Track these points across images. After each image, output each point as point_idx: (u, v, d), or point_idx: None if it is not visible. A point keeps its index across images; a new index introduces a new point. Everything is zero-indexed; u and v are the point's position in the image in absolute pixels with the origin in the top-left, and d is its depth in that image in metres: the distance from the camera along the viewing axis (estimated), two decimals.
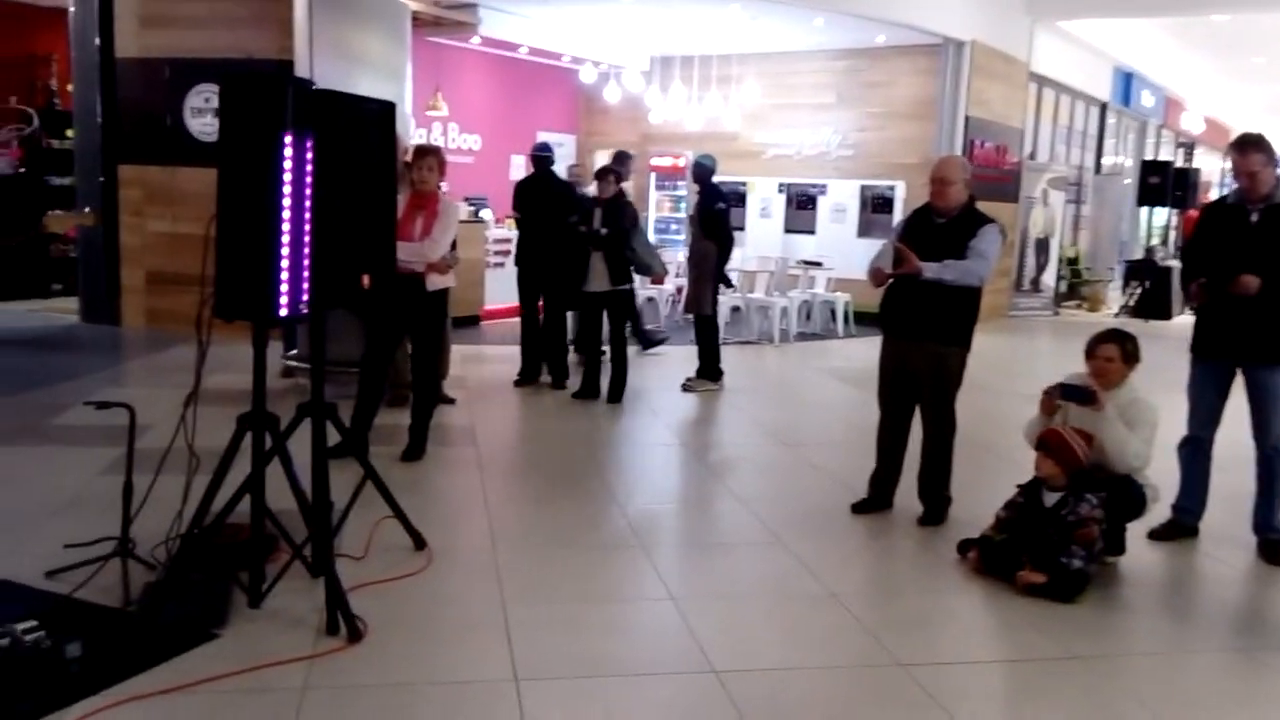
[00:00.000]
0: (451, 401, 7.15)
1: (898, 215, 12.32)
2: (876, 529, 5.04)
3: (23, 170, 11.08)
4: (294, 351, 7.60)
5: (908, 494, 5.17)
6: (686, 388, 8.18)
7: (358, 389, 5.66)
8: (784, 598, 4.17)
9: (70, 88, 10.33)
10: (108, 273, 9.64)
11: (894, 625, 3.90)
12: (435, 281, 5.61)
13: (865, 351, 7.25)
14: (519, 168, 13.20)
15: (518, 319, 8.22)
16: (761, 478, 6.00)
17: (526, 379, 8.05)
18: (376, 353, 5.70)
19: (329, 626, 3.56)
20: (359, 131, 3.78)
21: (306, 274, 3.47)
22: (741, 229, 13.00)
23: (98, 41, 9.47)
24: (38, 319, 10.11)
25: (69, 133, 10.63)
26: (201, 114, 9.25)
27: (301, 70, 7.82)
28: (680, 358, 9.33)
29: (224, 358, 3.86)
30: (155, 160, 9.36)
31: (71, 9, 9.70)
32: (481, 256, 10.79)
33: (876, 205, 13.17)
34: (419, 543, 4.39)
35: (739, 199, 13.43)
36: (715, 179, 8.53)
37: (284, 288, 3.36)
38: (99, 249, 9.60)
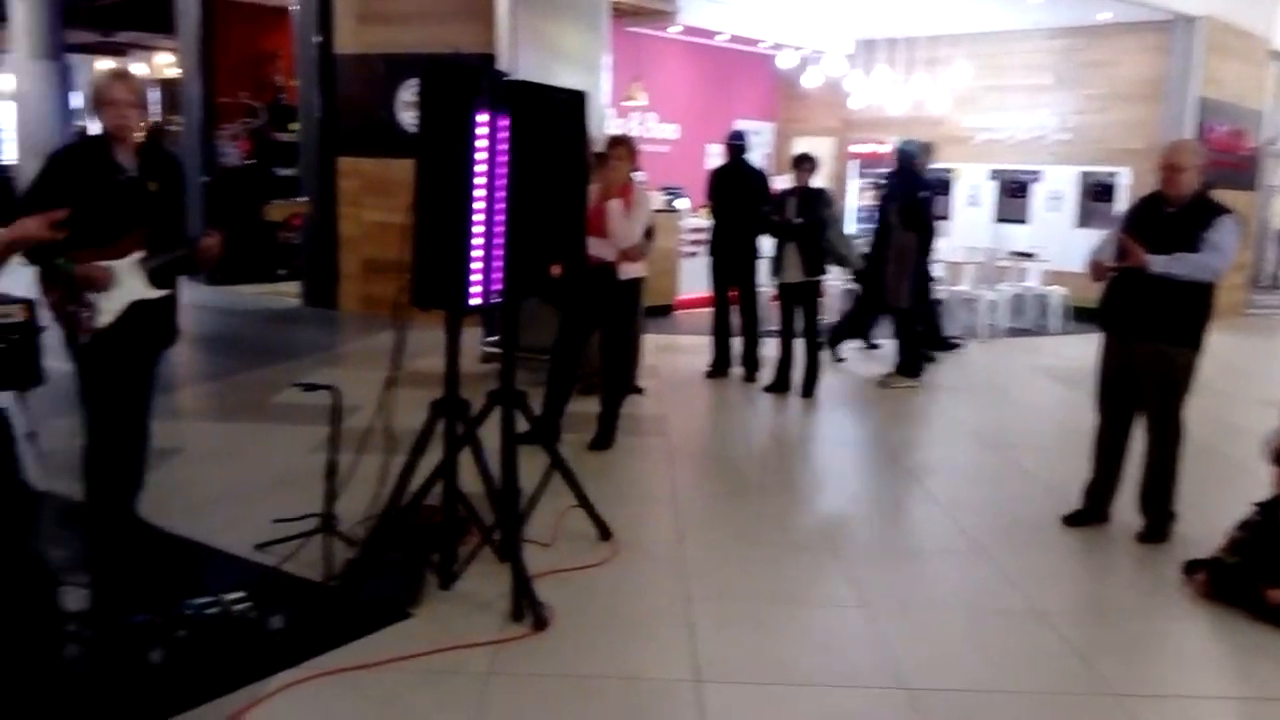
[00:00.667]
0: (641, 391, 7.16)
1: (1121, 204, 11.49)
2: (1090, 543, 4.67)
3: (251, 162, 11.87)
4: (493, 337, 7.79)
5: (1126, 507, 4.78)
6: (884, 384, 7.89)
7: (548, 377, 5.73)
8: (984, 613, 3.92)
9: (294, 83, 10.96)
10: (327, 260, 10.20)
11: (1107, 650, 3.59)
12: (627, 270, 5.60)
13: (1082, 350, 6.78)
14: (715, 156, 13.12)
15: (710, 309, 8.15)
16: (963, 482, 5.70)
17: (718, 370, 7.97)
18: (568, 341, 5.75)
19: (515, 613, 3.59)
20: (551, 121, 3.78)
21: (499, 264, 3.49)
22: (946, 218, 12.46)
23: (318, 39, 10.00)
24: (263, 302, 10.80)
25: (293, 126, 11.29)
26: (410, 107, 9.61)
27: (503, 63, 7.99)
28: (877, 353, 9.03)
29: (428, 342, 3.97)
30: (370, 152, 9.80)
31: (294, 7, 10.29)
32: (675, 246, 10.78)
33: (1097, 193, 12.33)
34: (605, 533, 4.38)
35: (943, 186, 12.88)
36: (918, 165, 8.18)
37: (476, 278, 3.39)
38: (319, 237, 10.17)
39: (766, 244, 7.65)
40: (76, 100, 13.49)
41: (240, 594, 3.47)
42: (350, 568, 3.77)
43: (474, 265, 3.40)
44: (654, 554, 4.32)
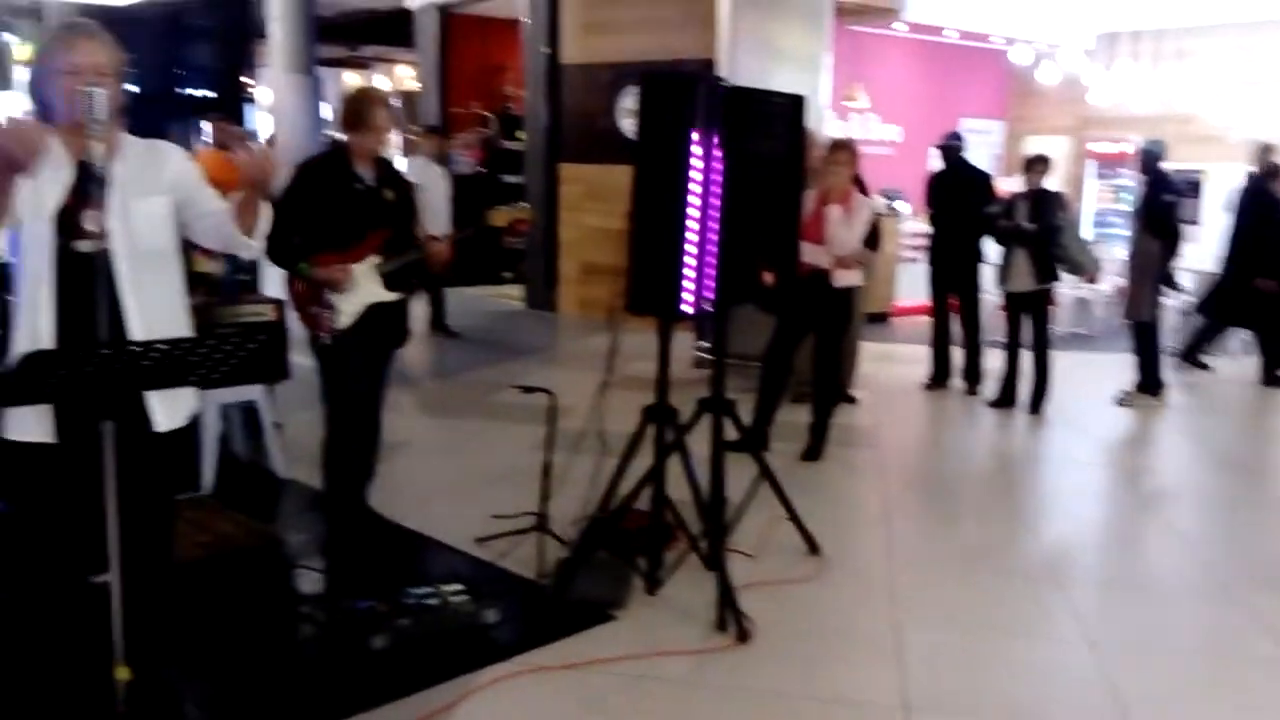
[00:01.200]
0: (855, 401, 6.98)
1: None
2: None
3: (481, 170, 12.41)
4: (705, 342, 7.80)
5: None
6: (1122, 402, 7.36)
7: (759, 384, 5.67)
8: (1232, 660, 3.57)
9: (523, 93, 11.38)
10: (548, 264, 10.53)
11: None
12: (842, 278, 5.47)
13: None
14: (935, 160, 12.66)
15: (930, 317, 7.86)
16: (1209, 513, 5.24)
17: (937, 382, 7.68)
18: (780, 348, 5.68)
19: (718, 623, 3.57)
20: (768, 127, 3.74)
21: (712, 271, 3.48)
22: (1195, 223, 11.52)
23: (546, 50, 10.33)
24: (488, 304, 11.27)
25: (520, 134, 11.73)
26: (631, 114, 9.78)
27: (722, 68, 7.99)
28: (1113, 367, 8.45)
29: (642, 346, 4.01)
30: (591, 159, 10.04)
31: (525, 20, 10.67)
32: (894, 251, 10.47)
33: None
34: (812, 547, 4.29)
35: (1192, 189, 11.91)
36: (1163, 167, 7.59)
37: (689, 284, 3.39)
38: (541, 242, 10.51)
39: (991, 249, 7.30)
40: (325, 111, 14.52)
41: (459, 586, 3.61)
42: (561, 567, 3.85)
43: (687, 272, 3.41)
44: (863, 572, 4.19)
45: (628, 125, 9.78)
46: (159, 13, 14.74)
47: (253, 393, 4.96)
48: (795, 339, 5.70)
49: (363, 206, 4.01)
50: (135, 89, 17.08)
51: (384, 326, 4.14)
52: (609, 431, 4.00)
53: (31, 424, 2.48)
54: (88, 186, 2.45)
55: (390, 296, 4.09)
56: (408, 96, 17.28)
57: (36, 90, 2.54)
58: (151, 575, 2.68)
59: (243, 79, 17.45)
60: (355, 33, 21.35)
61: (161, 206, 2.62)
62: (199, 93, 18.63)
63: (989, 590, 4.07)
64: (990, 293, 7.58)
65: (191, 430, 2.78)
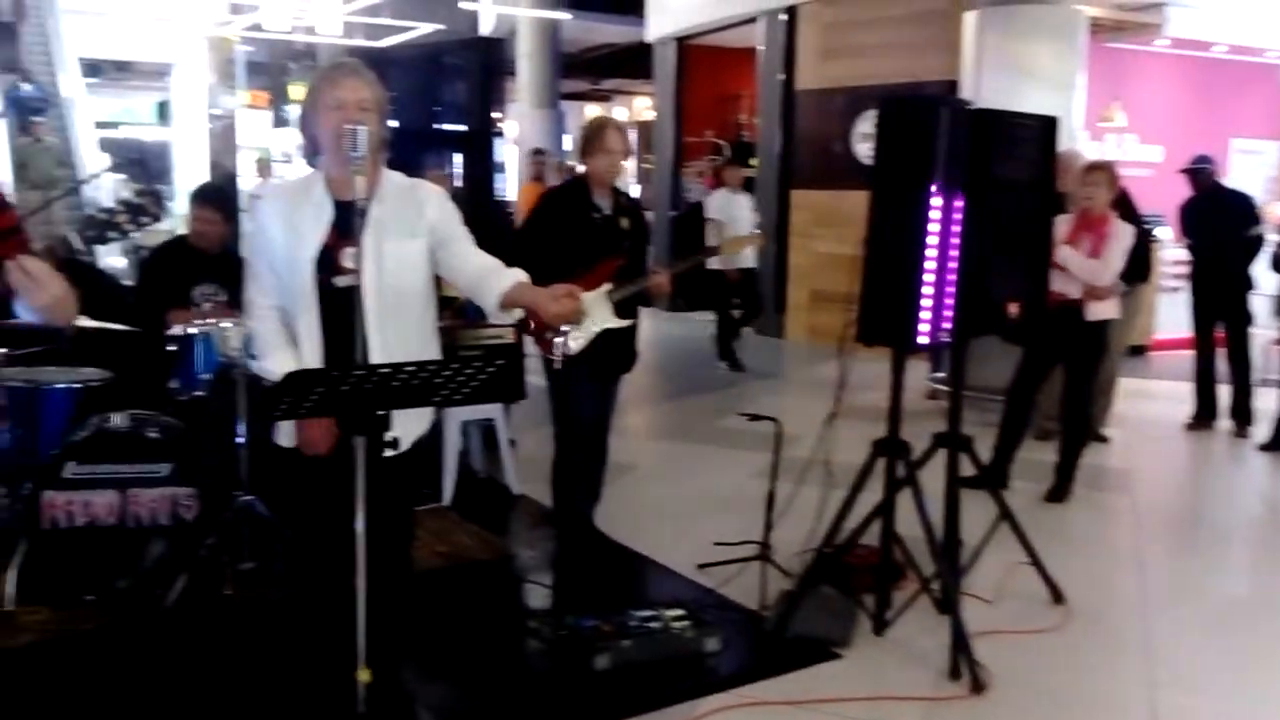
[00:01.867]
0: (1106, 440, 6.51)
1: None
2: None
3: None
4: (939, 374, 7.52)
5: None
6: None
7: (1001, 419, 5.39)
8: None
9: (756, 120, 11.42)
10: (778, 290, 10.48)
11: None
12: (1095, 310, 5.11)
13: None
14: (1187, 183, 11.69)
15: (1193, 351, 7.23)
16: None
17: (1201, 421, 7.04)
18: (1025, 382, 5.37)
19: (952, 670, 3.38)
20: (1016, 150, 3.55)
21: (951, 301, 3.33)
22: None
23: (781, 76, 10.32)
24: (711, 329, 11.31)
25: (753, 162, 11.75)
26: (868, 139, 9.60)
27: (967, 90, 7.71)
28: None
29: (873, 375, 3.91)
30: (823, 185, 9.93)
31: (761, 48, 10.70)
32: (1155, 280, 9.73)
33: None
34: (1056, 595, 4.01)
35: None
36: None
37: (925, 315, 3.26)
38: (771, 268, 10.47)
39: (1265, 278, 6.64)
40: (567, 144, 15.11)
41: (680, 611, 3.60)
42: (784, 600, 3.77)
43: (924, 301, 3.27)
44: (1112, 625, 3.87)
45: (863, 150, 9.61)
46: (418, 53, 15.81)
47: (491, 411, 5.17)
48: (1042, 372, 5.38)
49: (599, 235, 4.10)
50: (395, 124, 18.41)
51: (613, 352, 4.21)
52: (836, 463, 3.90)
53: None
54: (347, 225, 2.59)
55: (621, 323, 4.17)
56: (643, 126, 17.73)
57: (305, 126, 2.74)
58: (393, 581, 2.82)
59: (493, 114, 18.39)
60: (597, 67, 22.17)
61: (416, 249, 2.71)
62: (453, 127, 19.76)
63: (1259, 653, 3.67)
64: (1263, 325, 6.90)
65: (434, 446, 2.92)
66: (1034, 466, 5.50)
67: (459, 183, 16.37)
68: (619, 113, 24.30)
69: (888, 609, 3.71)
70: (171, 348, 4.02)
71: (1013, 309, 3.80)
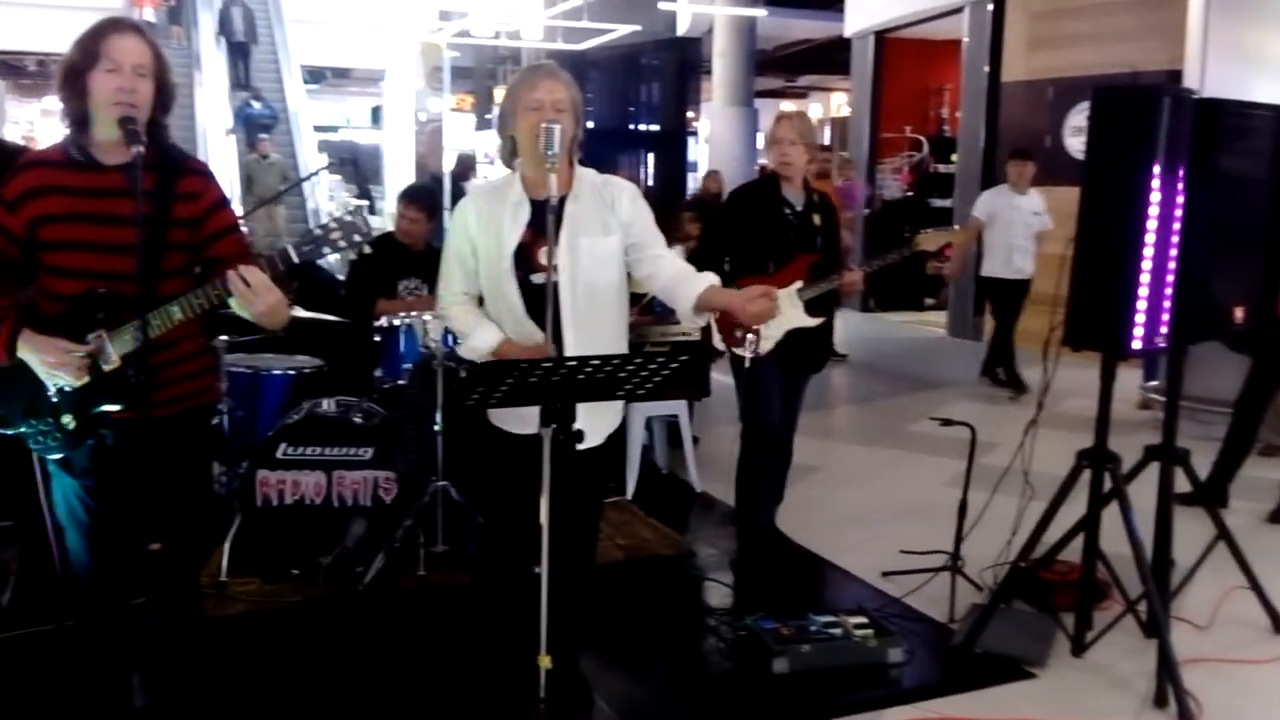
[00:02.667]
0: None
1: None
2: None
3: (910, 194, 12.18)
4: (1153, 382, 7.03)
5: None
6: None
7: (1227, 432, 4.98)
8: None
9: (958, 114, 11.01)
10: (978, 292, 10.05)
11: None
12: None
13: None
14: None
15: None
16: None
17: None
18: (1254, 394, 4.94)
19: (1156, 698, 3.15)
20: (1246, 143, 3.27)
21: (1169, 304, 3.10)
22: None
23: (987, 68, 9.91)
24: (908, 330, 11.00)
25: (953, 158, 11.35)
26: (1080, 133, 9.09)
27: (1190, 79, 7.18)
28: None
29: (1077, 381, 3.69)
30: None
31: (965, 39, 10.31)
32: None
33: None
34: (1277, 623, 3.68)
35: None
36: None
37: (1139, 318, 3.04)
38: (971, 268, 10.06)
39: None
40: (760, 142, 15.04)
41: (863, 619, 3.51)
42: (975, 613, 3.61)
43: (1139, 303, 3.06)
44: None
45: (1074, 144, 9.11)
46: (615, 55, 16.09)
47: (675, 407, 5.18)
48: (1272, 384, 4.94)
49: (791, 231, 4.04)
50: (591, 125, 18.80)
51: (803, 351, 4.14)
52: (1036, 473, 3.70)
53: (514, 419, 2.73)
54: (543, 223, 2.62)
55: (811, 322, 4.09)
56: (838, 123, 17.42)
57: (503, 128, 2.80)
58: (576, 572, 2.86)
59: (687, 113, 18.47)
60: (791, 64, 21.96)
61: (610, 246, 2.75)
62: (647, 128, 19.95)
63: None
64: None
65: (619, 440, 2.95)
66: (1257, 484, 5.06)
67: (651, 182, 16.57)
68: (814, 110, 23.99)
69: (1088, 629, 3.50)
70: (377, 338, 4.22)
71: (1238, 313, 3.50)
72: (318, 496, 3.89)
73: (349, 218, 2.35)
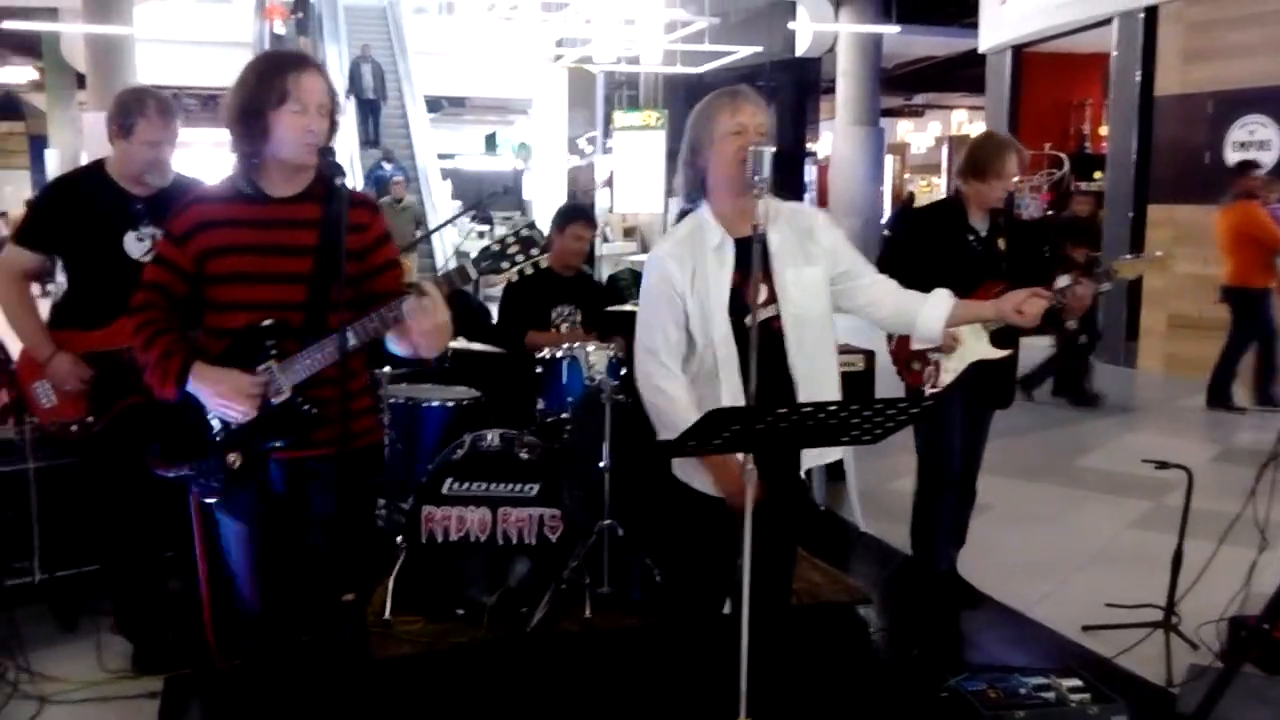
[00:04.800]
0: None
1: None
2: None
3: (1049, 213, 11.67)
4: None
5: None
6: None
7: None
8: None
9: (1102, 130, 10.52)
10: (1130, 315, 9.55)
11: None
12: None
13: None
14: None
15: None
16: None
17: None
18: None
19: None
20: None
21: None
22: None
23: (1138, 81, 9.42)
24: (1047, 354, 10.47)
25: (1096, 175, 10.84)
26: (1243, 148, 8.55)
27: None
28: None
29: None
30: (1187, 199, 8.94)
31: (1114, 53, 9.83)
32: None
33: None
34: None
35: None
36: None
37: None
38: (1123, 290, 9.56)
39: None
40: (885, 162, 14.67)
41: (1077, 681, 3.18)
42: (1200, 677, 3.26)
43: None
44: None
45: (1236, 160, 8.56)
46: (733, 78, 15.94)
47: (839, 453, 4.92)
48: None
49: (975, 259, 3.77)
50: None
51: (988, 384, 3.86)
52: (1260, 518, 3.33)
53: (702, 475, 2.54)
54: (750, 260, 2.41)
55: (996, 354, 3.80)
56: (957, 141, 16.94)
57: (692, 160, 2.57)
58: (773, 617, 2.64)
59: (805, 135, 18.24)
60: (907, 83, 21.53)
61: (815, 276, 2.56)
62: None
63: None
64: None
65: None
66: None
67: None
68: (933, 127, 23.47)
69: None
70: (539, 370, 4.08)
71: None
72: (483, 533, 3.75)
73: (525, 232, 2.21)
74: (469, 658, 3.52)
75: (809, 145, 18.73)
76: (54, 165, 20.37)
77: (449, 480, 3.72)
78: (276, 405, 2.29)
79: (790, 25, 14.24)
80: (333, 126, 2.35)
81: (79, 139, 17.84)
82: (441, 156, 18.22)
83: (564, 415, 4.02)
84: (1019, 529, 5.03)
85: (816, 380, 2.51)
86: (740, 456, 2.32)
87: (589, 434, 3.84)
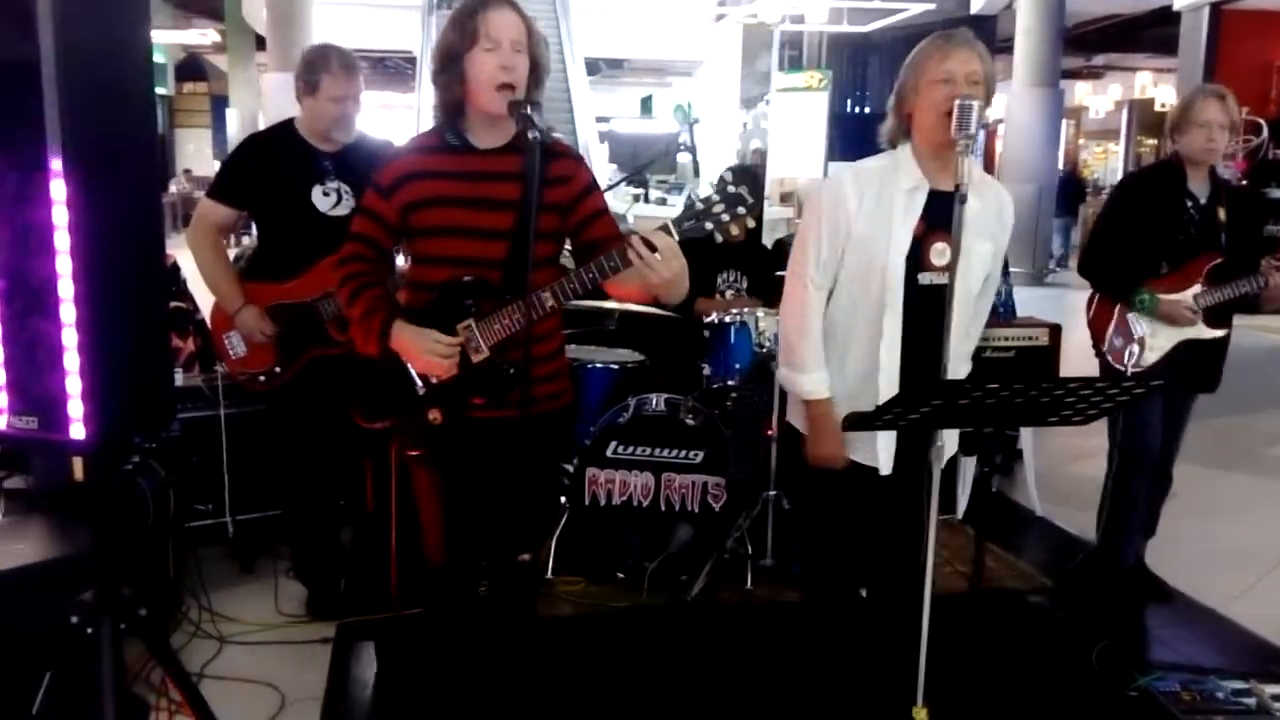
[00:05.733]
0: None
1: None
2: None
3: (1244, 183, 10.85)
4: None
5: None
6: None
7: None
8: None
9: None
10: None
11: None
12: None
13: None
14: None
15: None
16: None
17: None
18: None
19: None
20: None
21: None
22: None
23: None
24: (1248, 337, 9.76)
25: None
26: None
27: None
28: None
29: None
30: None
31: None
32: None
33: None
34: None
35: None
36: None
37: None
38: None
39: None
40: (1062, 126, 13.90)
41: None
42: None
43: None
44: None
45: None
46: (901, 36, 15.38)
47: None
48: None
49: (1193, 228, 3.48)
50: (869, 110, 18.13)
51: (1195, 365, 3.59)
52: None
53: (873, 451, 2.47)
54: (939, 215, 2.36)
55: (1209, 333, 3.53)
56: (1141, 105, 15.95)
57: (898, 104, 2.46)
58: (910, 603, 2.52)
59: None
60: (1086, 43, 20.34)
61: (989, 253, 2.46)
62: None
63: None
64: None
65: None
66: None
67: None
68: (1113, 90, 22.15)
69: None
70: (706, 333, 4.01)
71: None
72: (645, 498, 3.72)
73: (731, 189, 2.08)
74: (628, 622, 3.51)
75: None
76: (235, 125, 21.37)
77: (614, 443, 3.70)
78: (477, 364, 2.27)
79: None
80: (536, 70, 2.28)
81: (258, 100, 18.62)
82: (598, 120, 18.21)
83: (730, 382, 3.94)
84: (1208, 520, 4.69)
85: (962, 357, 2.47)
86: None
87: (757, 401, 3.75)
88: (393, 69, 26.53)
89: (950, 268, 2.24)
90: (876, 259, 2.39)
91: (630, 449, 3.70)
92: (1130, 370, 3.54)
